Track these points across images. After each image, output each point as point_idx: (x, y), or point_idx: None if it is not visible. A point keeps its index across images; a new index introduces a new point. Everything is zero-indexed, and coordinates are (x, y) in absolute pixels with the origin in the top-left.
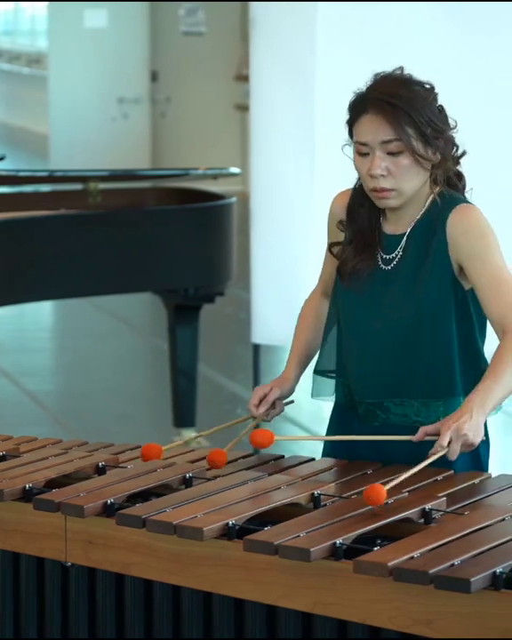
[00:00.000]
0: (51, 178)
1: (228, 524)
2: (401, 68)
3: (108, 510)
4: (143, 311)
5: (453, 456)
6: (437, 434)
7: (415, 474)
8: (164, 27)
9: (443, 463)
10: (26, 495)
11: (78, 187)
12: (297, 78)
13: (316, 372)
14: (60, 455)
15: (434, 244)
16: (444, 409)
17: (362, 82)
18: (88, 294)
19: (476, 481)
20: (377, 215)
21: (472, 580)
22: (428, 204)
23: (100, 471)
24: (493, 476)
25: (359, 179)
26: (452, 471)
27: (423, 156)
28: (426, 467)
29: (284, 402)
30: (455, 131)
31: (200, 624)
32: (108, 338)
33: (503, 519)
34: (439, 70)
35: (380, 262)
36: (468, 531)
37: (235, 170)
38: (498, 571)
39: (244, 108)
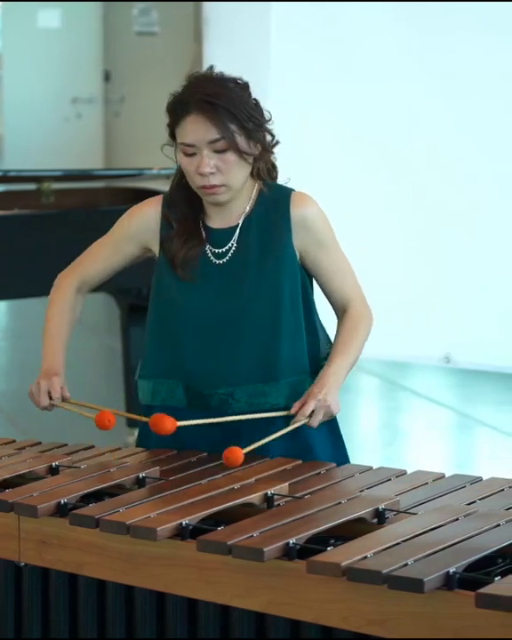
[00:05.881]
0: (4, 178)
1: (181, 524)
2: (212, 67)
3: (61, 510)
4: (96, 311)
5: (315, 424)
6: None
7: (373, 473)
8: (118, 27)
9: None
10: None
11: (32, 187)
12: (251, 78)
13: (142, 377)
14: (13, 455)
15: (276, 234)
16: (292, 388)
17: (316, 80)
18: (42, 294)
19: (430, 481)
20: (198, 207)
21: (425, 579)
22: (254, 195)
23: (54, 471)
24: (447, 475)
25: (177, 175)
26: (405, 470)
27: (247, 151)
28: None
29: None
30: (271, 122)
31: (153, 624)
32: None
33: (457, 519)
34: (393, 68)
35: (211, 256)
36: (421, 531)
37: None
38: (451, 570)
39: None
